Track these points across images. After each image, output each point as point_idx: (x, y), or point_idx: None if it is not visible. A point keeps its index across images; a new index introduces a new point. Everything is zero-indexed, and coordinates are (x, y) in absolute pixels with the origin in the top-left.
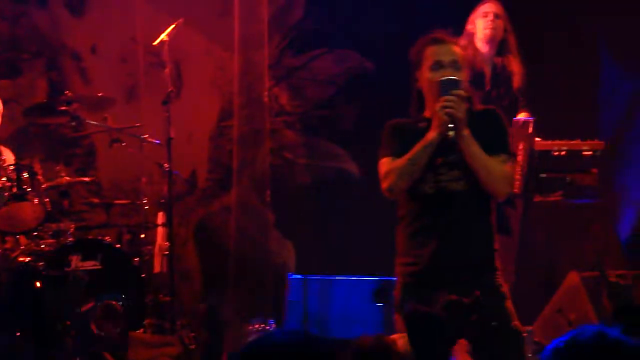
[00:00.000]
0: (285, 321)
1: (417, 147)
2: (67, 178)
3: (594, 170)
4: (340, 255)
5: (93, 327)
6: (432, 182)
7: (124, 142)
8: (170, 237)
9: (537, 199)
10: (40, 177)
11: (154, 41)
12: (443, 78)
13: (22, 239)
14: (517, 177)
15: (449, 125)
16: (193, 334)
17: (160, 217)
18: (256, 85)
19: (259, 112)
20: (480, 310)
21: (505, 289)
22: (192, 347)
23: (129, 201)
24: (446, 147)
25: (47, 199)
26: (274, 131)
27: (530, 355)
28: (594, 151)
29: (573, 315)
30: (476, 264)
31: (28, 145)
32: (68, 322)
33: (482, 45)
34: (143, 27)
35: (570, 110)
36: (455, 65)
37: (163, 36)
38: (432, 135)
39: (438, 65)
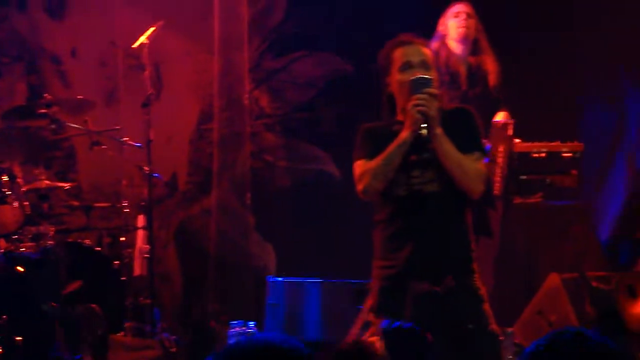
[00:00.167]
0: (266, 324)
1: (391, 147)
2: (47, 181)
3: (574, 172)
4: (321, 257)
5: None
6: (405, 184)
7: (104, 145)
8: (150, 239)
9: (517, 200)
10: (19, 180)
11: (133, 44)
12: (414, 77)
13: (2, 242)
14: (497, 179)
15: (422, 125)
16: (174, 337)
17: (141, 220)
18: (236, 88)
19: (239, 114)
20: (453, 297)
21: (483, 291)
22: (173, 350)
23: (109, 204)
24: (419, 145)
25: (27, 202)
26: (254, 134)
27: (510, 357)
28: (574, 153)
29: (553, 317)
30: (453, 267)
31: (7, 148)
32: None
33: (455, 46)
34: (123, 30)
35: (550, 112)
36: (424, 65)
37: (143, 39)
38: (405, 134)
39: (407, 66)
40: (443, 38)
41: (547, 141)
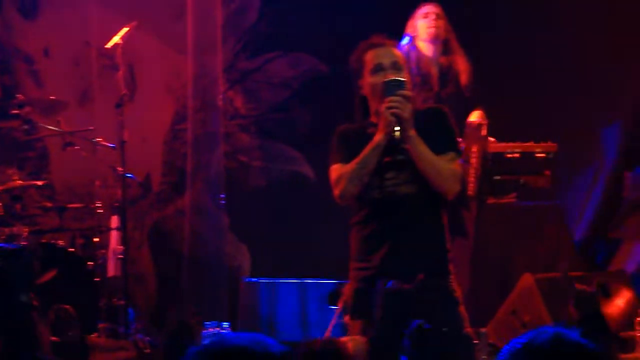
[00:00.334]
0: (240, 324)
1: (365, 151)
2: (20, 181)
3: (547, 172)
4: (295, 258)
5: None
6: (379, 186)
7: (77, 146)
8: (124, 240)
9: (491, 201)
10: None
11: (107, 44)
12: (387, 79)
13: None
14: (471, 179)
15: (395, 127)
16: (148, 338)
17: (114, 221)
18: (210, 89)
19: (213, 115)
20: (427, 298)
21: (458, 293)
22: (147, 351)
23: (82, 205)
24: (393, 148)
25: (0, 203)
26: (229, 134)
27: (484, 357)
28: (547, 153)
29: (527, 317)
30: (428, 268)
31: None
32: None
33: (426, 47)
34: (96, 30)
35: (523, 113)
36: (396, 66)
37: (116, 39)
38: (378, 137)
39: (379, 68)
40: (413, 39)
41: (520, 141)
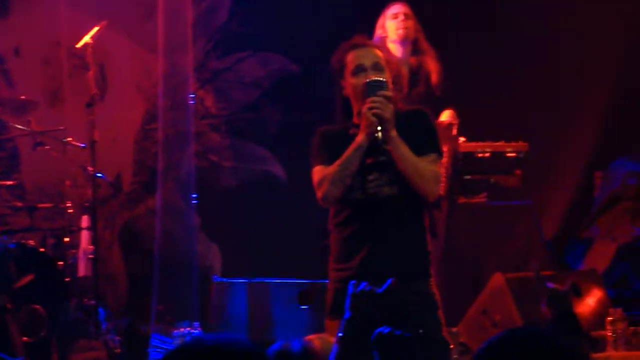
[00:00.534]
0: (211, 324)
1: (347, 152)
2: None
3: (518, 172)
4: (266, 258)
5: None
6: (361, 188)
7: (47, 146)
8: (94, 240)
9: (462, 200)
10: None
11: (77, 43)
12: (368, 80)
13: None
14: (442, 179)
15: (377, 127)
16: (118, 338)
17: (85, 221)
18: (181, 88)
19: (184, 114)
20: (400, 298)
21: (437, 297)
22: (117, 350)
23: (53, 205)
24: (375, 148)
25: None
26: (200, 134)
27: (455, 356)
28: (518, 153)
29: (498, 316)
30: (408, 271)
31: None
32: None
33: (395, 48)
34: (67, 29)
35: (494, 112)
36: (377, 67)
37: (87, 38)
38: (360, 138)
39: (360, 69)
40: (383, 41)
41: (491, 141)
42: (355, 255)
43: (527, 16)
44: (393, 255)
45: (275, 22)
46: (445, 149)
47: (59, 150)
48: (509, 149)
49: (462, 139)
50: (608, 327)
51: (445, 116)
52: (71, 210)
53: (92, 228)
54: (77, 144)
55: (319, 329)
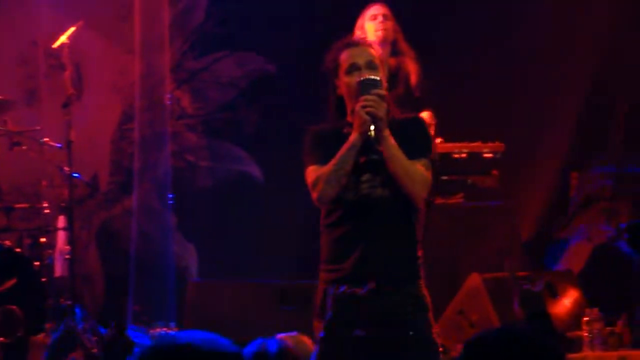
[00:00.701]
0: (187, 324)
1: (342, 151)
2: None
3: (495, 172)
4: (243, 258)
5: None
6: (354, 188)
7: (24, 146)
8: (71, 240)
9: (439, 201)
10: None
11: (54, 44)
12: (362, 78)
13: None
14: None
15: (370, 126)
16: (95, 338)
17: (61, 221)
18: (157, 89)
19: (160, 115)
20: (376, 301)
21: (428, 299)
22: (94, 351)
23: (29, 205)
24: (368, 147)
25: None
26: (176, 134)
27: None
28: (495, 153)
29: (474, 317)
30: (400, 273)
31: None
32: None
33: (375, 49)
34: (43, 29)
35: (471, 113)
36: (371, 65)
37: (63, 39)
38: (354, 136)
39: (354, 68)
40: None
41: (468, 142)
42: (347, 257)
43: (503, 18)
44: (385, 257)
45: (251, 23)
46: None
47: (36, 150)
48: (485, 150)
49: (439, 139)
50: (584, 327)
51: (423, 117)
52: (48, 211)
53: (69, 228)
54: (54, 144)
55: (296, 329)
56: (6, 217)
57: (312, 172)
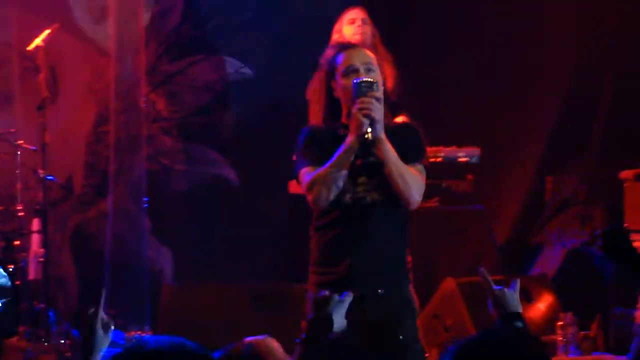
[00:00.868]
0: (162, 328)
1: (339, 154)
2: None
3: (470, 177)
4: (218, 261)
5: None
6: (351, 191)
7: None
8: (45, 243)
9: None
10: None
11: (28, 46)
12: (359, 80)
13: None
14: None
15: (367, 128)
16: (69, 342)
17: (35, 224)
18: (133, 91)
19: (135, 118)
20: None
21: (416, 305)
22: (68, 354)
23: (3, 207)
24: (364, 149)
25: None
26: (151, 137)
27: None
28: (470, 158)
29: (449, 321)
30: (392, 277)
31: None
32: None
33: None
34: (18, 31)
35: (446, 117)
36: (368, 68)
37: (38, 41)
38: (351, 139)
39: (351, 70)
40: None
41: (443, 146)
42: (339, 260)
43: (479, 22)
44: (378, 261)
45: (227, 26)
46: None
47: (10, 152)
48: (461, 154)
49: None
50: (558, 331)
51: (399, 121)
52: (22, 213)
53: (43, 231)
54: (28, 146)
55: (272, 332)
56: None
57: (306, 174)
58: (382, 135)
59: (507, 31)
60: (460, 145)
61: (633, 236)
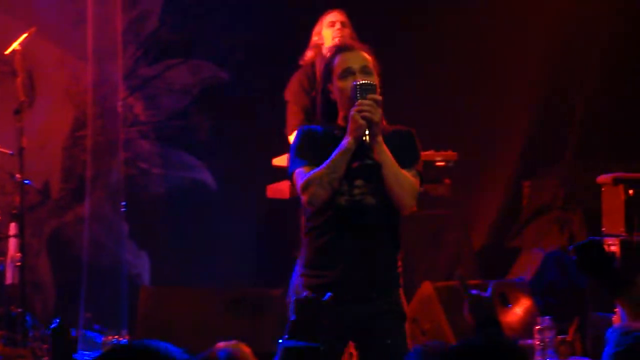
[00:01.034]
0: (140, 332)
1: (335, 155)
2: None
3: (447, 181)
4: (195, 265)
5: None
6: (347, 193)
7: None
8: (22, 248)
9: None
10: None
11: (5, 50)
12: (358, 82)
13: None
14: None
15: (365, 131)
16: (45, 346)
17: (12, 228)
18: (110, 96)
19: (113, 122)
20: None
21: (406, 309)
22: (45, 359)
23: None
24: (362, 152)
25: None
26: (129, 141)
27: None
28: (447, 162)
29: (427, 325)
30: (384, 281)
31: None
32: None
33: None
34: None
35: (423, 121)
36: (366, 70)
37: (15, 45)
38: (348, 141)
39: (348, 73)
40: (319, 49)
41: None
42: (332, 263)
43: (456, 26)
44: (371, 264)
45: (205, 30)
46: None
47: None
48: (438, 158)
49: None
50: (536, 335)
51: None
52: None
53: (20, 235)
54: (5, 150)
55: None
56: None
57: (302, 174)
58: (380, 138)
59: (484, 37)
60: (437, 149)
61: (609, 240)
